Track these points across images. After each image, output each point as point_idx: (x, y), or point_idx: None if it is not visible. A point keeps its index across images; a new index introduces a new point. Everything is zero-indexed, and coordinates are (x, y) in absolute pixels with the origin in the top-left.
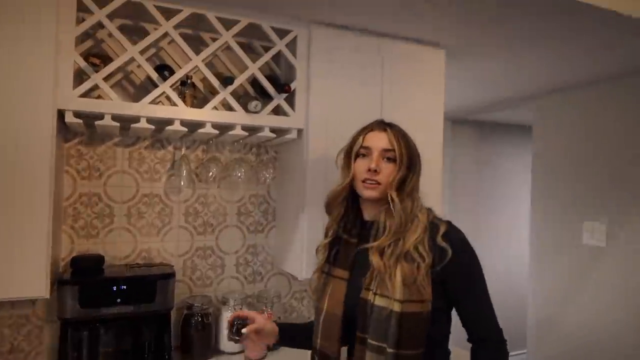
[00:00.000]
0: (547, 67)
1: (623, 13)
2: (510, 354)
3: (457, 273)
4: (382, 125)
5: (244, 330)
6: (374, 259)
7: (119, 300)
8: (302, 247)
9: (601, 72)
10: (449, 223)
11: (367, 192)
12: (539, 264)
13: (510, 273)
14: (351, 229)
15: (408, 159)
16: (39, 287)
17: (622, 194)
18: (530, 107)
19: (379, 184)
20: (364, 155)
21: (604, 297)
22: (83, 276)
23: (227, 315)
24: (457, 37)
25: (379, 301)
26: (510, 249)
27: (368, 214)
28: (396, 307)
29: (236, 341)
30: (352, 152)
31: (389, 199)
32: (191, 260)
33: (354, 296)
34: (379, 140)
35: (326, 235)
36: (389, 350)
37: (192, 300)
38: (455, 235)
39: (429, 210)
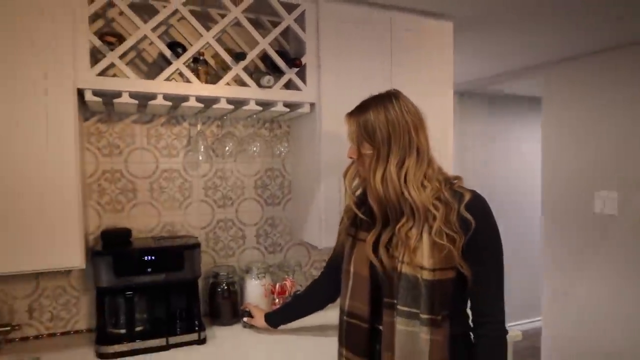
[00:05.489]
0: (556, 36)
1: None
2: (526, 321)
3: (476, 245)
4: (347, 114)
5: (245, 320)
6: (402, 231)
7: (149, 269)
8: (319, 217)
9: (611, 41)
10: (473, 193)
11: None
12: (551, 234)
13: (524, 242)
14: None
15: (370, 142)
16: (75, 258)
17: (633, 162)
18: (539, 78)
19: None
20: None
21: (615, 265)
22: (113, 248)
23: (251, 283)
24: (465, 8)
25: (406, 269)
26: (522, 221)
27: None
28: (425, 275)
29: (243, 324)
30: None
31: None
32: (213, 232)
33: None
34: (347, 130)
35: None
36: (423, 315)
37: (217, 270)
38: (479, 206)
39: (452, 178)
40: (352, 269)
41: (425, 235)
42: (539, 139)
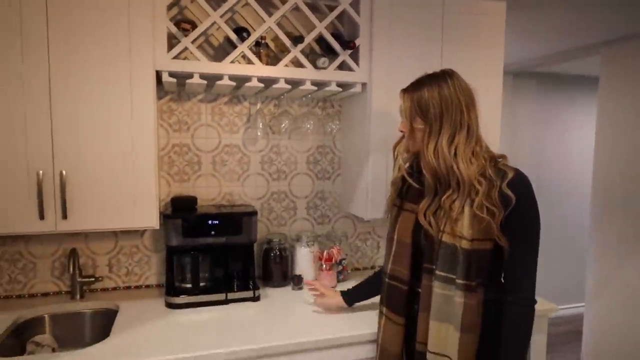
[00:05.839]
0: (615, 14)
1: None
2: (569, 306)
3: (514, 221)
4: (402, 90)
5: (312, 301)
6: (445, 203)
7: (212, 232)
8: (366, 191)
9: None
10: (516, 171)
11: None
12: (600, 218)
13: (570, 227)
14: (417, 173)
15: (423, 118)
16: (151, 219)
17: None
18: (596, 57)
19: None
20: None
21: None
22: (182, 213)
23: (301, 251)
24: None
25: (446, 238)
26: (572, 204)
27: None
28: (464, 245)
29: (307, 302)
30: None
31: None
32: (267, 203)
33: (422, 230)
34: (400, 106)
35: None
36: (459, 281)
37: (270, 237)
38: (520, 183)
39: (498, 157)
40: (395, 237)
41: (467, 208)
42: (594, 120)
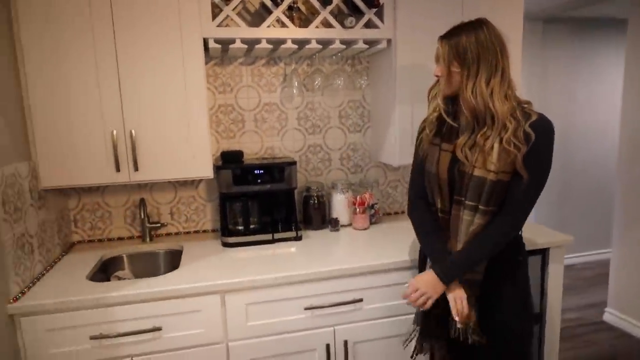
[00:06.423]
0: None
1: None
2: (596, 252)
3: (531, 156)
4: (440, 37)
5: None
6: (478, 140)
7: (259, 180)
8: (395, 139)
9: None
10: (540, 115)
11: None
12: (628, 162)
13: (599, 171)
14: (454, 114)
15: (460, 61)
16: (207, 170)
17: None
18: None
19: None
20: (437, 61)
21: None
22: (232, 164)
23: (337, 197)
24: None
25: (477, 172)
26: (602, 149)
27: None
28: (491, 177)
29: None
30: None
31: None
32: (305, 155)
33: (456, 166)
34: (438, 50)
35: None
36: (481, 207)
37: (309, 185)
38: (541, 124)
39: (524, 102)
40: (439, 174)
41: (496, 144)
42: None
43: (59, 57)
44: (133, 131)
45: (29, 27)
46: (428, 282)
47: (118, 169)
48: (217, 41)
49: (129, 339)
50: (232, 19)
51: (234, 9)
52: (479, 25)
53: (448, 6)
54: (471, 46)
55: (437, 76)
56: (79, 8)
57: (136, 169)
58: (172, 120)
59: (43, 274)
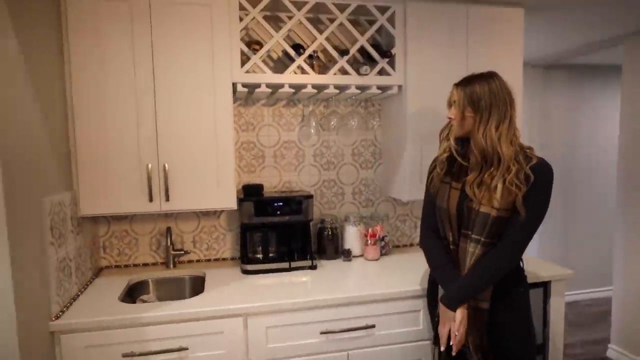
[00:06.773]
0: (635, 7)
1: None
2: (601, 289)
3: (528, 196)
4: (455, 85)
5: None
6: (485, 178)
7: (278, 212)
8: (405, 176)
9: None
10: (540, 159)
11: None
12: (626, 202)
13: (597, 211)
14: (463, 154)
15: (473, 108)
16: (231, 201)
17: None
18: (620, 48)
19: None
20: (450, 105)
21: None
22: (253, 196)
23: (349, 229)
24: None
25: (482, 208)
26: (603, 187)
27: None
28: (493, 213)
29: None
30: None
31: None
32: (320, 189)
33: (464, 203)
34: (452, 96)
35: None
36: (482, 239)
37: (323, 218)
38: (541, 167)
39: (526, 148)
40: (449, 209)
41: (499, 184)
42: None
43: (105, 97)
44: (166, 164)
45: (80, 74)
46: (442, 314)
47: (151, 199)
48: (244, 85)
49: (158, 357)
50: (258, 66)
51: (260, 57)
52: (490, 77)
53: (453, 56)
54: (485, 95)
55: (449, 118)
56: (122, 55)
57: (167, 199)
58: (202, 155)
59: (78, 295)
